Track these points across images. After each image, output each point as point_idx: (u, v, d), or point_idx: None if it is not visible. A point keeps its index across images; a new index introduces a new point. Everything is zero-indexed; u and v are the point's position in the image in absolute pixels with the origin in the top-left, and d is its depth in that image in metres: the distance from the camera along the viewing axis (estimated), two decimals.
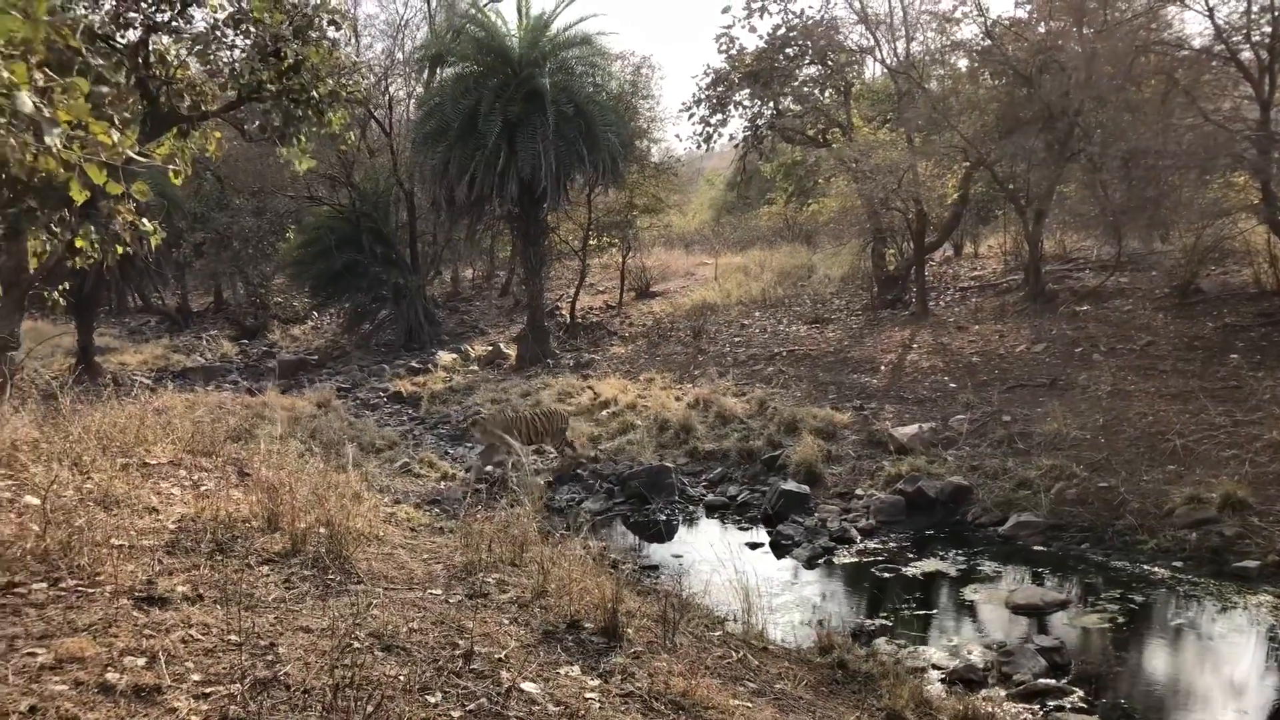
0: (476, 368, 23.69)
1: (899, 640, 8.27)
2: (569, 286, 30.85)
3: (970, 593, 9.56)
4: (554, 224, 28.44)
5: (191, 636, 4.14)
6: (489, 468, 14.03)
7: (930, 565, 10.36)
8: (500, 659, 4.62)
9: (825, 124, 26.20)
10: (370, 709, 3.68)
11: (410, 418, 19.35)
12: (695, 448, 15.16)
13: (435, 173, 23.80)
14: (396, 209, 31.12)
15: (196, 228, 30.21)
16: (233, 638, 4.16)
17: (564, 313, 28.62)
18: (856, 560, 10.70)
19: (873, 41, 24.70)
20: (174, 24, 12.71)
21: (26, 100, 3.64)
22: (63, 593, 4.41)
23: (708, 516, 12.92)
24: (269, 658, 4.08)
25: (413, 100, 34.24)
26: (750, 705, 5.09)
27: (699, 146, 27.63)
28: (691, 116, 26.30)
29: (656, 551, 11.43)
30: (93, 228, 7.04)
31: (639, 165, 28.62)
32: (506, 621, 5.28)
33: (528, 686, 4.35)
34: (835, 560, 10.73)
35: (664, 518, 12.71)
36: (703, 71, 26.28)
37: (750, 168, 30.06)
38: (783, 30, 24.35)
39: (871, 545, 11.15)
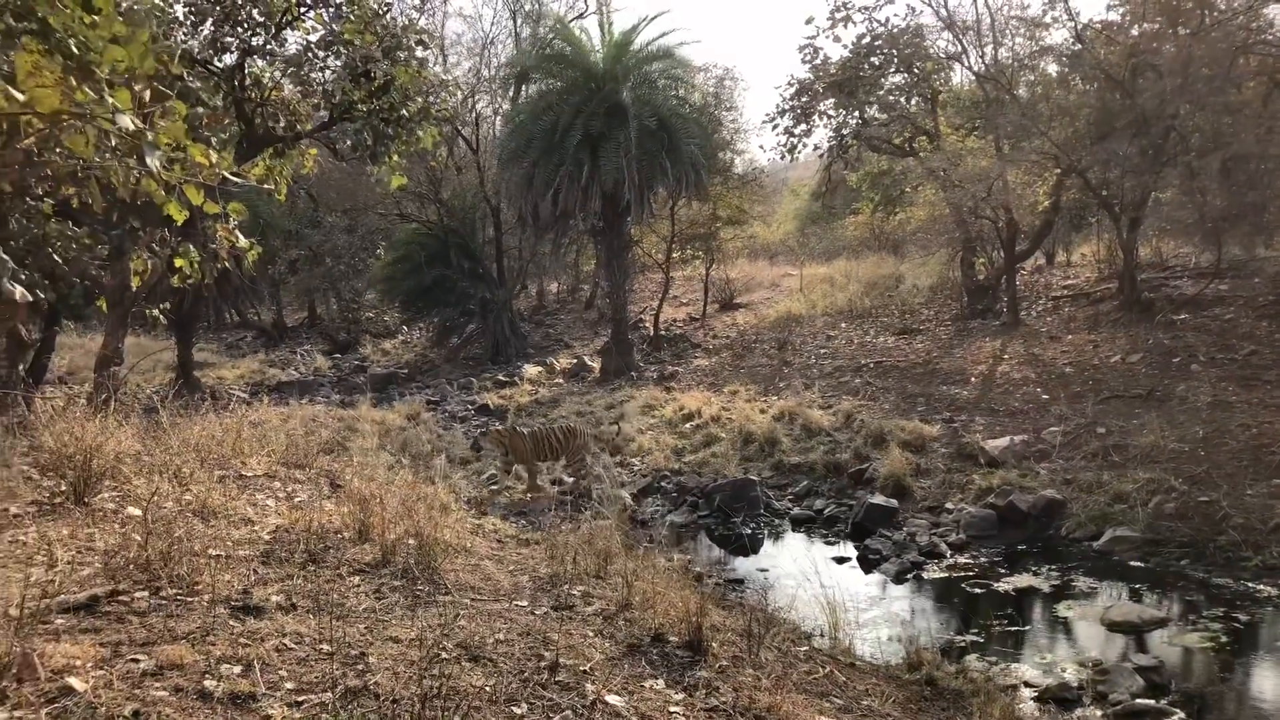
0: (561, 380, 23.86)
1: (990, 657, 8.09)
2: (652, 299, 30.92)
3: (1064, 609, 9.32)
4: (637, 237, 28.55)
5: (285, 645, 4.23)
6: (571, 479, 13.99)
7: (1022, 581, 10.13)
8: (585, 671, 4.64)
9: (912, 132, 25.88)
10: (457, 719, 3.72)
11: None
12: (780, 461, 15.05)
13: (520, 188, 24.12)
14: (483, 225, 31.54)
15: (291, 245, 31.01)
16: (324, 647, 4.24)
17: (648, 325, 28.67)
18: (946, 575, 10.51)
19: (960, 48, 24.34)
20: (269, 47, 13.13)
21: (128, 120, 3.79)
22: (163, 601, 4.54)
23: (793, 530, 12.81)
24: (359, 667, 4.15)
25: (499, 117, 34.71)
26: None
27: (783, 157, 27.44)
28: (775, 127, 26.11)
29: (741, 565, 11.37)
30: (191, 247, 7.27)
31: (722, 177, 28.55)
32: (591, 634, 5.30)
33: (612, 699, 4.35)
34: (924, 575, 10.55)
35: (748, 531, 12.64)
36: (786, 82, 26.15)
37: (835, 178, 29.81)
38: (867, 39, 24.10)
39: (961, 560, 10.94)
